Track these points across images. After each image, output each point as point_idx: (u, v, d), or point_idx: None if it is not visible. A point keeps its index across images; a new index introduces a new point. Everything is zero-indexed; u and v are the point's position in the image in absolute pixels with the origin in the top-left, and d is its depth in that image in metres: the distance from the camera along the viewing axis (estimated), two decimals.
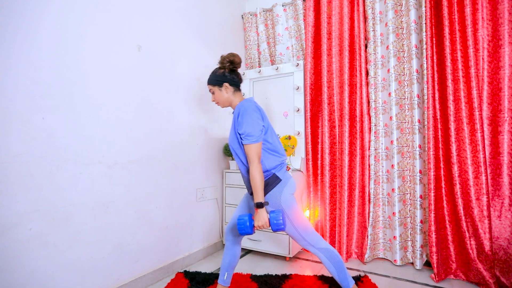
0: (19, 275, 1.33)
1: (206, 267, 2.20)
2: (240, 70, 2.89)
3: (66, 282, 1.50)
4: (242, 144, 1.42)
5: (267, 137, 1.47)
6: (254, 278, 1.94)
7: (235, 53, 1.53)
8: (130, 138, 1.85)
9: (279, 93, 2.67)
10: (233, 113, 1.53)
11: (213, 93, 1.58)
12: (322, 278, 1.94)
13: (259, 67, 2.90)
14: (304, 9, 2.65)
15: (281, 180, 1.46)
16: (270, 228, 1.43)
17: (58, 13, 1.50)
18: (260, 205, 1.36)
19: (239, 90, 1.58)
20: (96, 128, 1.66)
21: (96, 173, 1.65)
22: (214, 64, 2.57)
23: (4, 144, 1.29)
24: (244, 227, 1.35)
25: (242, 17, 3.02)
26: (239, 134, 1.41)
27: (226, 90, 1.54)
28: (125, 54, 1.83)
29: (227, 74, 1.53)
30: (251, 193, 1.53)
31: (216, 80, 1.54)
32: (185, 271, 2.06)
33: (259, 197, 1.36)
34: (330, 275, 1.98)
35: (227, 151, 2.61)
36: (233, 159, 2.67)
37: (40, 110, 1.41)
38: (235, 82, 1.55)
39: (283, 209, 1.44)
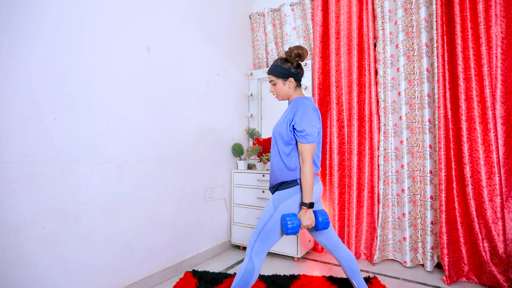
0: (32, 273, 1.36)
1: (214, 267, 2.21)
2: (248, 70, 2.89)
3: (76, 280, 1.53)
4: (297, 142, 1.42)
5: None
6: (262, 278, 1.94)
7: (302, 46, 1.49)
8: (140, 138, 1.87)
9: None
10: (288, 104, 1.53)
11: (274, 84, 1.55)
12: (331, 279, 1.93)
13: (267, 67, 2.90)
14: (312, 9, 2.64)
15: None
16: (314, 227, 1.46)
17: (71, 16, 1.53)
18: (311, 205, 1.38)
19: (300, 85, 1.57)
20: (106, 129, 1.68)
21: (106, 172, 1.67)
22: (222, 64, 2.59)
23: (17, 144, 1.32)
24: (295, 227, 1.34)
25: (250, 17, 3.02)
26: (295, 130, 1.41)
27: (290, 85, 1.52)
28: (134, 55, 1.86)
29: (293, 68, 1.50)
30: (273, 189, 1.53)
31: (281, 73, 1.50)
32: (193, 270, 2.08)
33: (309, 196, 1.38)
34: (339, 276, 1.97)
35: (235, 151, 2.61)
36: (241, 159, 2.67)
37: (52, 111, 1.44)
38: (299, 77, 1.53)
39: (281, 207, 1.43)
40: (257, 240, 1.42)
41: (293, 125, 1.41)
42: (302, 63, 2.55)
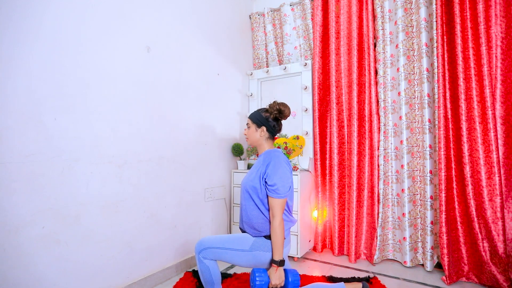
0: (32, 273, 1.36)
1: None
2: (248, 70, 2.89)
3: (76, 280, 1.53)
4: (268, 196, 1.41)
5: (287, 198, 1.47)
6: None
7: (287, 105, 1.52)
8: (140, 138, 1.87)
9: (287, 93, 2.66)
10: (258, 156, 1.54)
11: (249, 127, 1.58)
12: (331, 278, 1.93)
13: (267, 67, 2.90)
14: (312, 9, 2.64)
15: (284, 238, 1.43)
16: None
17: (70, 16, 1.53)
18: (281, 263, 1.35)
19: (273, 139, 1.58)
20: (106, 129, 1.68)
21: (106, 172, 1.67)
22: (222, 64, 2.59)
23: (17, 144, 1.32)
24: (262, 285, 1.31)
25: (250, 17, 3.02)
26: (266, 184, 1.41)
27: (261, 133, 1.54)
28: (134, 55, 1.86)
29: (270, 120, 1.52)
30: (243, 231, 1.53)
31: (257, 119, 1.54)
32: (193, 270, 2.08)
33: (279, 254, 1.35)
34: (339, 276, 1.97)
35: (235, 151, 2.61)
36: (241, 159, 2.67)
37: (52, 111, 1.44)
38: (273, 130, 1.54)
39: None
40: (210, 250, 1.43)
41: (265, 179, 1.41)
42: (302, 63, 2.55)
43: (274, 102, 1.53)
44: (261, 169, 1.45)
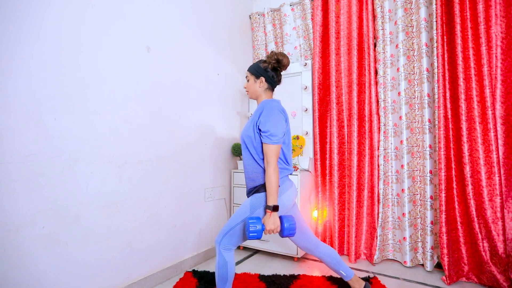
0: (32, 273, 1.36)
1: (214, 267, 2.21)
2: None
3: (76, 280, 1.53)
4: (262, 142, 1.41)
5: (283, 145, 1.47)
6: (262, 278, 1.94)
7: (286, 55, 1.50)
8: (139, 138, 1.87)
9: (287, 93, 2.66)
10: (257, 107, 1.53)
11: (248, 80, 1.57)
12: (331, 279, 1.93)
13: None
14: (312, 9, 2.64)
15: (279, 186, 1.44)
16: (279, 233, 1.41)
17: (70, 16, 1.53)
18: (275, 208, 1.34)
19: (272, 90, 1.57)
20: (106, 129, 1.68)
21: (106, 172, 1.67)
22: (222, 64, 2.59)
23: (17, 144, 1.32)
24: (257, 231, 1.29)
25: (250, 17, 3.02)
26: (260, 131, 1.41)
27: (260, 84, 1.52)
28: (134, 55, 1.86)
29: (268, 70, 1.51)
30: (249, 192, 1.51)
31: (255, 70, 1.52)
32: (193, 270, 2.08)
33: (273, 199, 1.34)
34: (339, 276, 1.97)
35: (235, 151, 2.61)
36: (241, 159, 2.67)
37: (52, 111, 1.44)
38: (272, 81, 1.53)
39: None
40: (225, 237, 1.43)
41: (258, 126, 1.41)
42: (302, 63, 2.55)
43: (272, 51, 1.51)
44: (255, 117, 1.45)
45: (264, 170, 1.42)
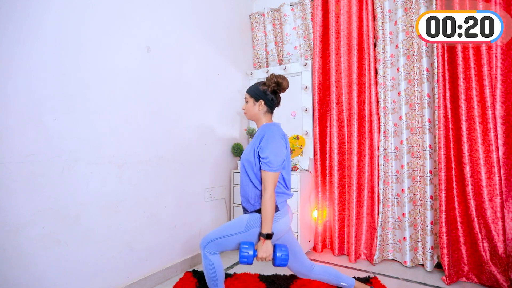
0: (32, 273, 1.36)
1: None
2: (248, 70, 2.89)
3: (76, 280, 1.53)
4: (261, 169, 1.41)
5: (283, 170, 1.46)
6: (262, 278, 1.94)
7: (285, 77, 1.51)
8: (139, 138, 1.87)
9: (287, 93, 2.61)
10: (256, 130, 1.52)
11: (246, 102, 1.57)
12: None
13: (267, 67, 2.89)
14: (312, 9, 2.64)
15: (278, 210, 1.44)
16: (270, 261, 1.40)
17: (70, 16, 1.53)
18: (269, 236, 1.33)
19: (271, 112, 1.57)
20: (106, 129, 1.68)
21: (106, 172, 1.67)
22: (222, 64, 2.60)
23: (17, 144, 1.32)
24: (248, 257, 1.29)
25: (250, 17, 3.02)
26: (259, 157, 1.41)
27: (259, 107, 1.52)
28: (134, 55, 1.86)
29: (268, 93, 1.51)
30: (245, 212, 1.52)
31: (255, 93, 1.52)
32: (193, 270, 2.08)
33: (268, 227, 1.34)
34: None
35: (235, 151, 2.61)
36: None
37: (52, 111, 1.44)
38: (271, 103, 1.53)
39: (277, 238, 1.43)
40: (212, 243, 1.43)
41: (258, 152, 1.41)
42: (302, 63, 2.55)
43: (272, 74, 1.51)
44: (255, 142, 1.44)
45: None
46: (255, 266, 2.19)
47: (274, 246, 1.37)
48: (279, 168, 1.39)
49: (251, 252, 1.30)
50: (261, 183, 1.43)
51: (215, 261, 1.44)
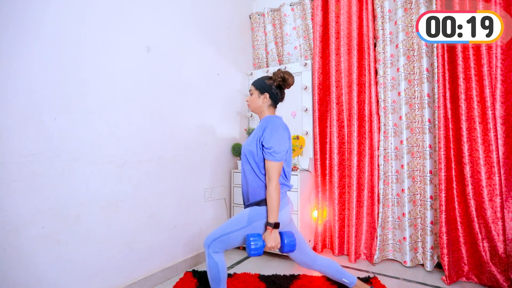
0: (32, 273, 1.36)
1: None
2: (248, 70, 2.89)
3: (76, 280, 1.53)
4: (265, 159, 1.41)
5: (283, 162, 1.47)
6: (262, 278, 1.94)
7: (291, 74, 1.53)
8: (140, 138, 1.87)
9: (287, 93, 2.62)
10: (259, 122, 1.54)
11: (251, 94, 1.59)
12: (331, 279, 1.92)
13: (267, 67, 2.89)
14: (312, 9, 2.64)
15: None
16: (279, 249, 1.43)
17: (70, 16, 1.53)
18: (276, 225, 1.35)
19: (275, 107, 1.59)
20: (106, 129, 1.68)
21: (106, 172, 1.67)
22: (222, 64, 2.60)
23: (17, 144, 1.32)
24: (258, 248, 1.32)
25: (250, 17, 3.02)
26: (263, 147, 1.41)
27: (264, 100, 1.54)
28: (134, 55, 1.86)
29: (273, 87, 1.53)
30: (247, 206, 1.53)
31: (260, 85, 1.54)
32: (193, 270, 2.08)
33: (274, 216, 1.35)
34: None
35: (235, 151, 2.61)
36: (241, 159, 2.67)
37: (52, 111, 1.44)
38: (276, 98, 1.55)
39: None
40: (216, 241, 1.44)
41: (261, 142, 1.42)
42: (302, 63, 2.55)
43: (279, 70, 1.53)
44: (258, 133, 1.46)
45: (265, 185, 1.43)
46: (255, 266, 2.19)
47: (281, 234, 1.40)
48: (283, 158, 1.41)
49: (260, 243, 1.33)
50: (263, 173, 1.44)
51: (219, 261, 1.44)
